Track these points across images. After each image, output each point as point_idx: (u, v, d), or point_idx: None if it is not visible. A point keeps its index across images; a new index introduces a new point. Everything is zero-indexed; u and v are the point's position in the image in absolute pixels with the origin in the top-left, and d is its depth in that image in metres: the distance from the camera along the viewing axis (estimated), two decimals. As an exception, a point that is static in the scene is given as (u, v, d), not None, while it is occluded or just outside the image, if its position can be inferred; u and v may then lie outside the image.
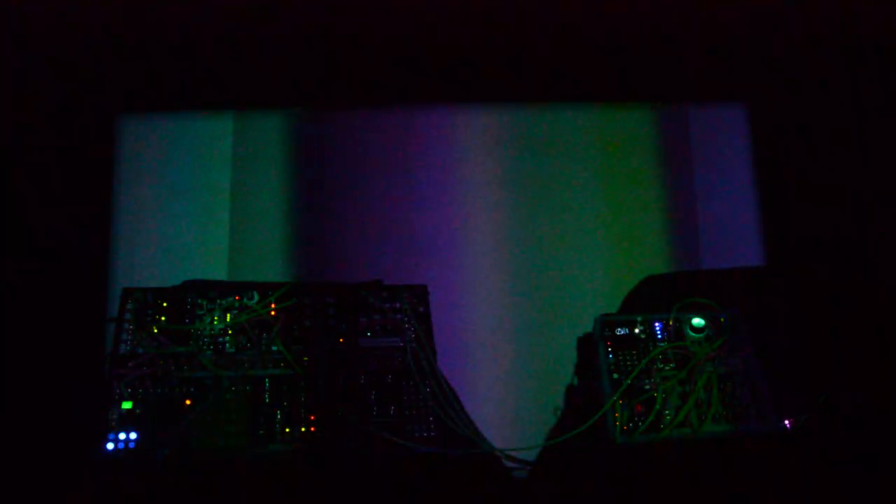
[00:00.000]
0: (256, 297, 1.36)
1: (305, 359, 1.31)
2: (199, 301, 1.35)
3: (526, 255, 1.62)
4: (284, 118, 1.66)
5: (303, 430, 1.25)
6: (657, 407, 1.30)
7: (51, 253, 1.47)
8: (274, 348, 1.32)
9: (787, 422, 1.31)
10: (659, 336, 1.38)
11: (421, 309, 1.39)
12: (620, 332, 1.38)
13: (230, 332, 1.33)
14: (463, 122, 1.69)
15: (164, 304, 1.34)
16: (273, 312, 1.35)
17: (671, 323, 1.39)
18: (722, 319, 1.39)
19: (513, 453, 1.31)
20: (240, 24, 1.63)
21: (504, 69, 1.69)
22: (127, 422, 1.22)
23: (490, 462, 1.31)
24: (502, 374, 1.54)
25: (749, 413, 1.31)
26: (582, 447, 1.30)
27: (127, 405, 1.24)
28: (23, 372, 1.37)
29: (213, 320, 1.33)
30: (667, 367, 1.35)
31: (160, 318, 1.33)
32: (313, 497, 1.22)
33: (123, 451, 1.20)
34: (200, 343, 1.31)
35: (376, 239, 1.61)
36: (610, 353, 1.36)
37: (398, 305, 1.39)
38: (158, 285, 1.37)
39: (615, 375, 1.34)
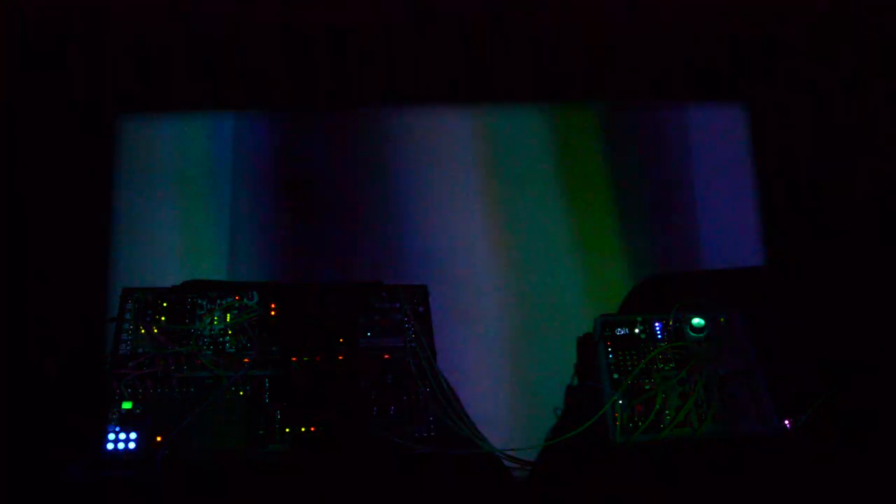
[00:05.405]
0: (256, 297, 1.36)
1: (306, 359, 1.31)
2: (199, 301, 1.35)
3: (526, 254, 1.62)
4: (285, 118, 1.66)
5: (303, 430, 1.25)
6: (657, 407, 1.30)
7: (51, 253, 1.47)
8: (274, 348, 1.31)
9: (787, 422, 1.31)
10: (659, 336, 1.38)
11: (421, 309, 1.39)
12: (620, 332, 1.38)
13: (230, 332, 1.33)
14: (463, 122, 1.69)
15: (164, 304, 1.34)
16: (273, 312, 1.35)
17: (671, 323, 1.39)
18: (722, 319, 1.39)
19: (513, 453, 1.31)
20: (238, 24, 1.63)
21: (501, 67, 1.69)
22: (127, 422, 1.22)
23: (490, 462, 1.31)
24: (502, 374, 1.54)
25: (749, 413, 1.31)
26: (582, 447, 1.30)
27: (127, 405, 1.23)
28: (23, 372, 1.37)
29: (213, 320, 1.33)
30: (667, 367, 1.35)
31: (160, 318, 1.33)
32: (313, 497, 1.22)
33: (123, 451, 1.20)
34: (200, 343, 1.31)
35: (376, 239, 1.61)
36: (610, 353, 1.35)
37: (398, 305, 1.38)
38: (158, 285, 1.37)
39: (615, 375, 1.33)
